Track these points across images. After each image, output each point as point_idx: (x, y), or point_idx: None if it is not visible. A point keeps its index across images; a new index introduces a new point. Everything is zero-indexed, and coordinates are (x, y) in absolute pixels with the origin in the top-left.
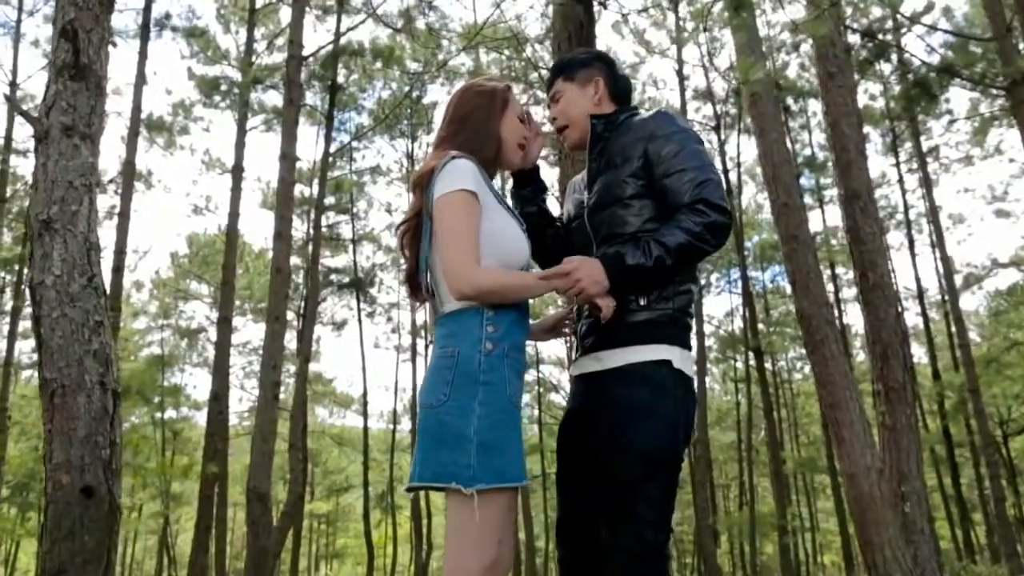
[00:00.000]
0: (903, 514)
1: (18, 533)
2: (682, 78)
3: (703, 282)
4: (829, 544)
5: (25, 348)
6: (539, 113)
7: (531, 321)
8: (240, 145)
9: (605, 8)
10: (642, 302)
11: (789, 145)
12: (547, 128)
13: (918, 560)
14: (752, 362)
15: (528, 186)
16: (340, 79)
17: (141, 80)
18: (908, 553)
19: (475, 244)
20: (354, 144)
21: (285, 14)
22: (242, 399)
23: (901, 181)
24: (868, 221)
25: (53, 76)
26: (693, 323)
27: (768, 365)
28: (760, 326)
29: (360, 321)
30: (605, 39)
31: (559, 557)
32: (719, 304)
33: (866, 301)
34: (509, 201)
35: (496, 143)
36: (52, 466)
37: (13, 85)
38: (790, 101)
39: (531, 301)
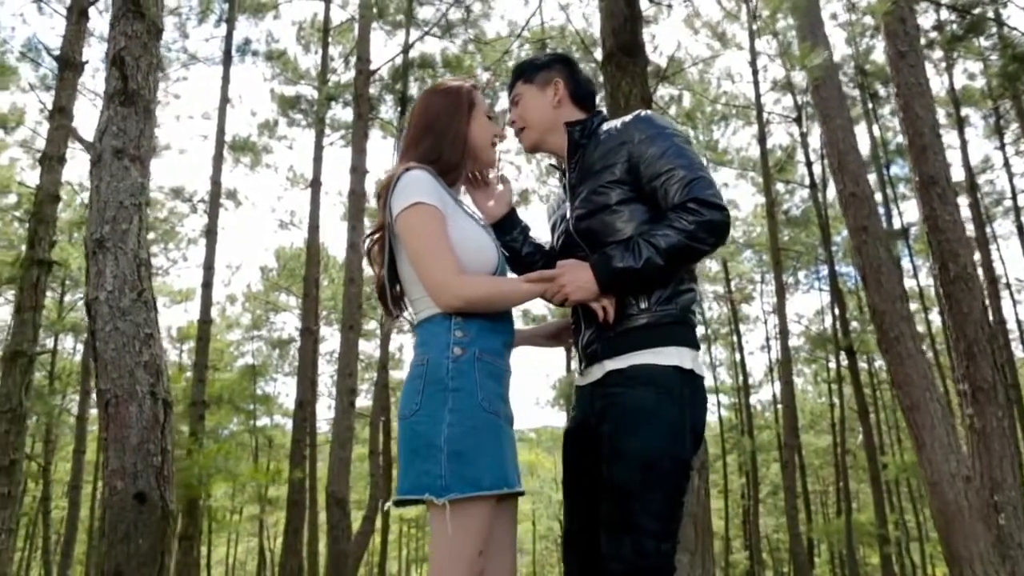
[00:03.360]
0: (998, 526)
1: None
2: (756, 70)
3: (788, 279)
4: (941, 555)
5: None
6: None
7: (529, 326)
8: (318, 160)
9: (670, 8)
10: (643, 305)
11: (877, 133)
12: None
13: None
14: (844, 362)
15: (512, 231)
16: (412, 91)
17: (225, 103)
18: (1004, 569)
19: (450, 254)
20: None
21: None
22: (331, 406)
23: (1007, 165)
24: (947, 208)
25: (106, 102)
26: (698, 322)
27: (864, 364)
28: (854, 324)
29: None
30: (677, 35)
31: (565, 570)
32: (808, 302)
33: (947, 294)
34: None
35: (462, 145)
36: (108, 473)
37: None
38: (879, 87)
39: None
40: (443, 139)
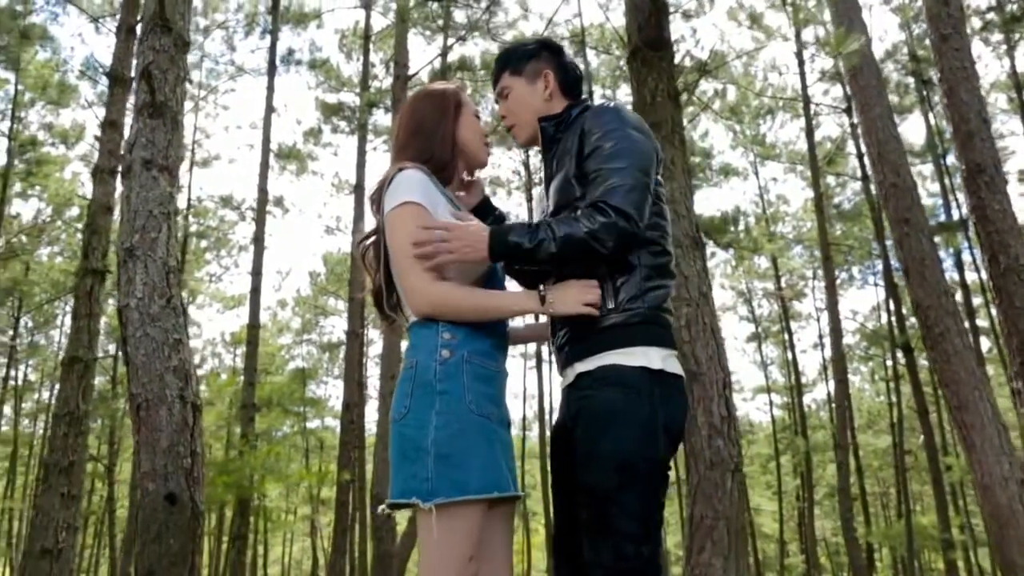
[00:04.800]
0: None
1: None
2: (802, 61)
3: (842, 275)
4: None
5: None
6: None
7: (525, 324)
8: (361, 166)
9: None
10: (610, 305)
11: (934, 121)
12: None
13: None
14: (902, 359)
15: (485, 219)
16: None
17: (270, 112)
18: None
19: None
20: None
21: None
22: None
23: None
24: (996, 197)
25: (135, 115)
26: (672, 319)
27: (924, 362)
28: (911, 320)
29: None
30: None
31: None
32: (863, 298)
33: (997, 288)
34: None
35: (451, 145)
36: (140, 474)
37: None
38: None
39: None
40: (432, 139)
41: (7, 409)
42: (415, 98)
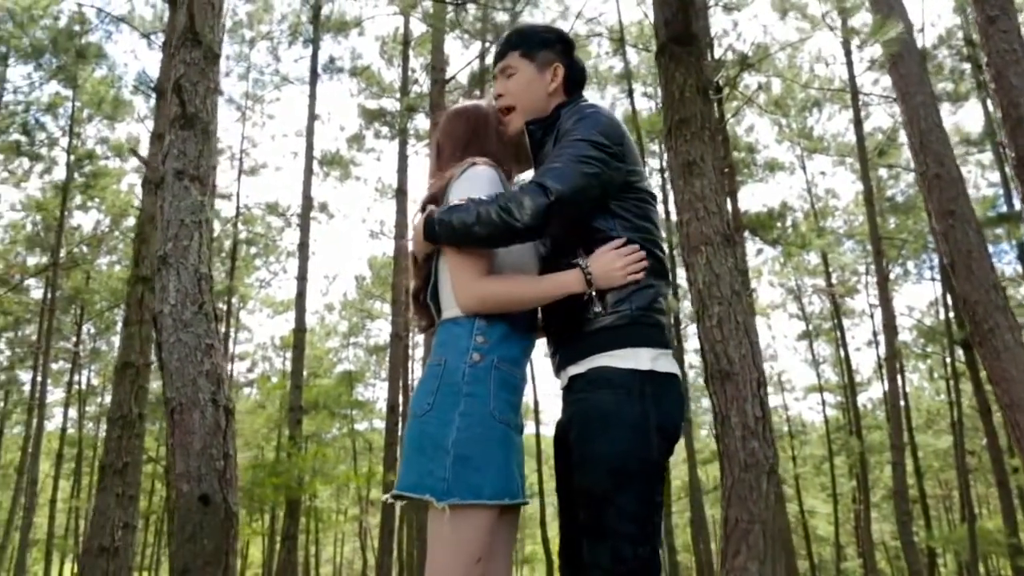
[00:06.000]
0: None
1: (246, 532)
2: (848, 50)
3: (896, 269)
4: None
5: (241, 368)
6: None
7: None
8: (402, 170)
9: None
10: (597, 308)
11: (992, 109)
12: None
13: None
14: (961, 357)
15: None
16: None
17: (312, 120)
18: None
19: (481, 256)
20: None
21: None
22: None
23: None
24: None
25: (168, 127)
26: (664, 318)
27: None
28: None
29: None
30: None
31: None
32: (920, 293)
33: None
34: None
35: (504, 142)
36: (175, 476)
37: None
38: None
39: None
40: (487, 140)
41: (72, 412)
42: (456, 117)
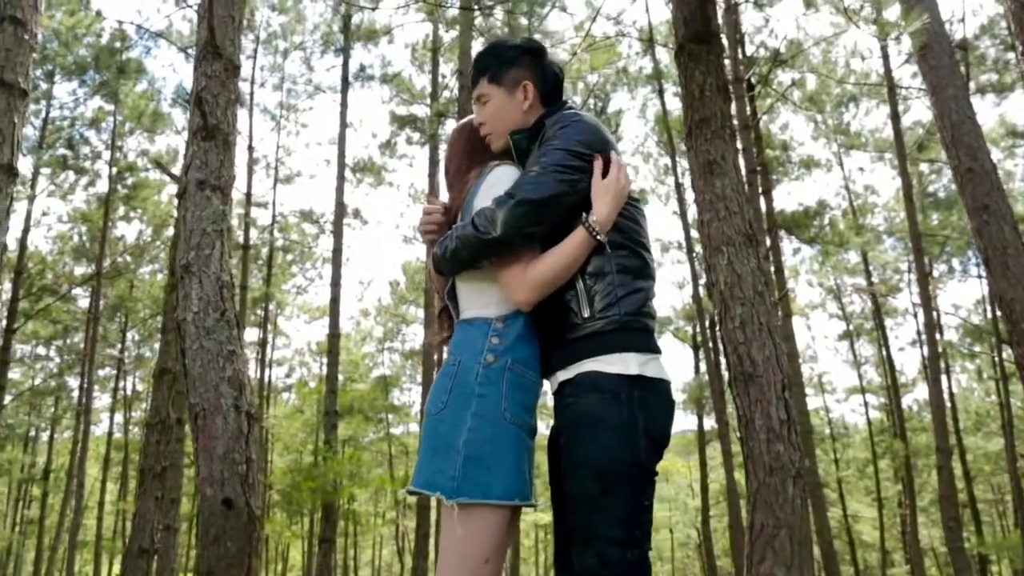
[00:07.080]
0: None
1: (286, 536)
2: (884, 44)
3: (940, 267)
4: None
5: (279, 373)
6: None
7: None
8: (432, 176)
9: None
10: (585, 314)
11: None
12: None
13: None
14: (1010, 357)
15: None
16: None
17: (344, 128)
18: None
19: (515, 254)
20: None
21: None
22: None
23: None
24: None
25: (190, 139)
26: (652, 322)
27: None
28: None
29: None
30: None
31: None
32: (967, 291)
33: None
34: None
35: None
36: (199, 480)
37: (251, 148)
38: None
39: None
40: (487, 149)
41: (118, 417)
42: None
